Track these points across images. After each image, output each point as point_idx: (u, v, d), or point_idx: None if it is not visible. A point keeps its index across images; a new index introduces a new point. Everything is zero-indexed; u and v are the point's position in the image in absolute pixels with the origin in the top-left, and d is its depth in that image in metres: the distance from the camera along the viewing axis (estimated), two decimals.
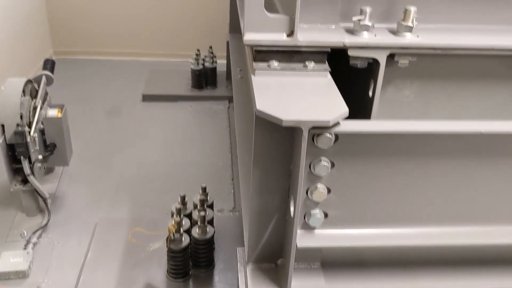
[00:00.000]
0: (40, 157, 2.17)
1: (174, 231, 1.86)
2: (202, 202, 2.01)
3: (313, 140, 1.26)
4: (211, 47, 3.49)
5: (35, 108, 2.18)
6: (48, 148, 2.23)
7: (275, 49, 1.43)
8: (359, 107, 1.61)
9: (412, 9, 1.42)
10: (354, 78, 1.63)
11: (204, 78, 3.46)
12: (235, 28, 3.21)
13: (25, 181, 2.17)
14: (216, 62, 3.48)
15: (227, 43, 3.47)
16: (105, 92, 3.49)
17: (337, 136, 1.27)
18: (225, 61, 3.55)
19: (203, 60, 3.46)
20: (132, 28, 3.98)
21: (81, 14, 3.91)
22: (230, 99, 3.34)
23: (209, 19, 3.93)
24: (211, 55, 3.48)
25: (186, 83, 3.49)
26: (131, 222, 2.22)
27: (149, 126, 3.11)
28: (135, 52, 4.04)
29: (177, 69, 3.76)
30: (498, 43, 1.46)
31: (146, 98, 3.39)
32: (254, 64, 1.44)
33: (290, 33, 1.41)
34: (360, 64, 1.49)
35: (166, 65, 3.97)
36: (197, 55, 3.44)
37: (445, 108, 1.65)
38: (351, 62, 1.49)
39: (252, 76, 1.43)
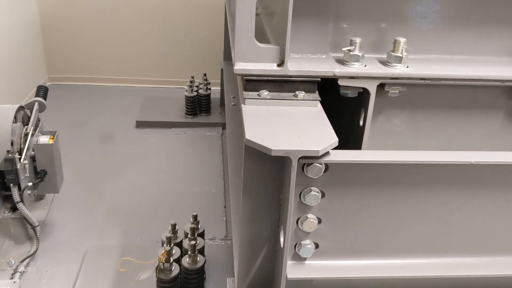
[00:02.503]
0: (30, 184, 2.15)
1: (163, 260, 1.83)
2: (193, 230, 1.99)
3: (303, 169, 1.26)
4: (205, 74, 3.51)
5: (26, 135, 2.17)
6: (39, 175, 2.21)
7: (265, 78, 1.44)
8: (350, 136, 1.62)
9: (402, 40, 1.44)
10: (345, 107, 1.63)
11: (198, 105, 3.47)
12: (229, 55, 3.23)
13: (14, 208, 2.14)
14: (210, 89, 3.49)
15: (221, 70, 3.49)
16: (99, 118, 3.49)
17: (327, 166, 1.27)
18: (219, 88, 3.57)
19: (197, 87, 3.47)
20: (127, 54, 4.01)
21: (76, 40, 3.94)
22: (224, 126, 3.34)
23: (203, 46, 3.96)
24: (205, 82, 3.49)
25: (180, 110, 3.50)
26: (121, 250, 2.19)
27: (142, 153, 3.10)
28: (130, 78, 4.05)
29: (171, 95, 3.77)
30: (486, 73, 1.48)
31: (140, 124, 3.39)
32: (245, 93, 1.45)
33: (281, 63, 1.42)
34: (350, 94, 1.50)
35: (161, 92, 3.99)
36: (191, 82, 3.45)
37: (435, 137, 1.66)
38: (342, 91, 1.50)
39: (242, 105, 1.43)
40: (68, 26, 3.88)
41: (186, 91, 3.42)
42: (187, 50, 4.00)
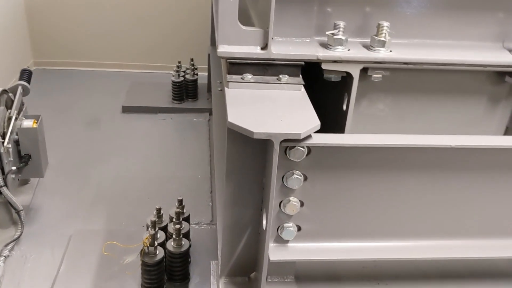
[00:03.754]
0: (14, 168, 2.13)
1: (148, 244, 1.84)
2: (178, 214, 1.99)
3: (285, 153, 1.27)
4: (192, 59, 3.49)
5: (9, 119, 2.15)
6: (23, 159, 2.20)
7: (249, 61, 1.44)
8: (334, 120, 1.62)
9: (385, 24, 1.44)
10: (328, 91, 1.64)
11: (185, 90, 3.45)
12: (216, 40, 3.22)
13: None
14: (197, 74, 3.47)
15: (208, 55, 3.47)
16: (85, 103, 3.46)
17: (309, 149, 1.28)
18: (206, 73, 3.55)
19: (184, 72, 3.45)
20: (114, 39, 3.97)
21: (62, 24, 3.89)
22: (211, 112, 3.33)
23: (190, 31, 3.93)
24: (192, 67, 3.47)
25: (167, 95, 3.47)
26: (106, 235, 2.19)
27: (128, 138, 3.08)
28: (116, 63, 4.01)
29: (158, 81, 3.75)
30: (469, 58, 1.49)
31: (126, 109, 3.37)
32: (228, 76, 1.44)
33: (264, 46, 1.42)
34: (334, 78, 1.50)
35: (147, 77, 3.96)
36: (178, 67, 3.43)
37: (418, 121, 1.67)
38: (325, 75, 1.50)
39: (226, 89, 1.43)
40: (53, 9, 3.83)
41: (173, 76, 3.40)
42: (174, 35, 3.97)
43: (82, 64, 3.99)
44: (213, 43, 3.41)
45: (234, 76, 1.44)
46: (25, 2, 3.78)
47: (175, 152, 2.96)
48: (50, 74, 3.87)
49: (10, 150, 2.11)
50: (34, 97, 2.42)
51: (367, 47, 1.49)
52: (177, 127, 3.26)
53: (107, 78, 3.89)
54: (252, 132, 1.19)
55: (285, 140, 1.22)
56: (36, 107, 2.47)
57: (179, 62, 3.44)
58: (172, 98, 3.44)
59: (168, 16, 3.90)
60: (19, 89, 2.29)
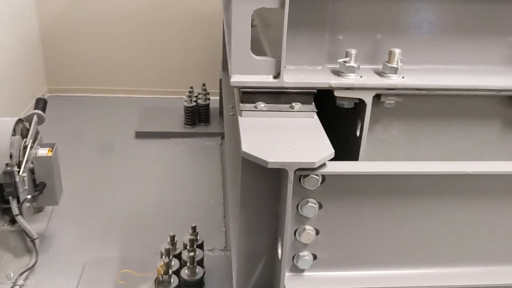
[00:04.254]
0: (29, 197, 2.15)
1: (162, 272, 1.83)
2: (192, 242, 1.99)
3: (300, 181, 1.26)
4: (204, 84, 3.52)
5: (25, 148, 2.17)
6: (38, 187, 2.22)
7: (262, 90, 1.45)
8: (347, 146, 1.62)
9: (397, 51, 1.45)
10: (342, 117, 1.64)
11: (197, 115, 3.48)
12: (227, 66, 3.25)
13: (13, 221, 2.14)
14: (209, 99, 3.51)
15: (220, 80, 3.51)
16: (98, 129, 3.50)
17: (324, 177, 1.27)
18: (218, 98, 3.58)
19: (196, 97, 3.48)
20: (126, 65, 4.03)
21: (76, 52, 3.96)
22: (223, 136, 3.34)
23: (202, 56, 3.98)
24: (204, 92, 3.51)
25: (179, 120, 3.50)
26: (120, 262, 2.19)
27: (142, 164, 3.10)
28: (129, 89, 4.06)
29: (170, 106, 3.78)
30: (480, 83, 1.49)
31: (139, 135, 3.40)
32: (241, 105, 1.45)
33: (277, 75, 1.43)
34: (346, 105, 1.51)
35: (160, 102, 3.99)
36: (190, 92, 3.47)
37: (432, 146, 1.66)
38: (338, 102, 1.51)
39: (239, 117, 1.44)
40: (67, 38, 3.90)
41: (185, 101, 3.43)
42: (186, 60, 4.02)
43: (96, 90, 4.05)
44: (225, 68, 3.45)
45: (247, 105, 1.45)
46: (40, 32, 3.86)
47: (188, 177, 2.97)
48: (64, 101, 3.93)
49: (26, 178, 2.13)
50: (48, 124, 2.45)
51: (379, 73, 1.50)
52: (190, 151, 3.28)
53: (120, 104, 3.94)
54: (266, 162, 1.19)
55: (299, 169, 1.22)
56: (51, 134, 2.51)
57: (191, 87, 3.48)
58: (185, 123, 3.47)
59: (180, 41, 3.96)
60: (35, 118, 2.32)
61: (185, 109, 3.44)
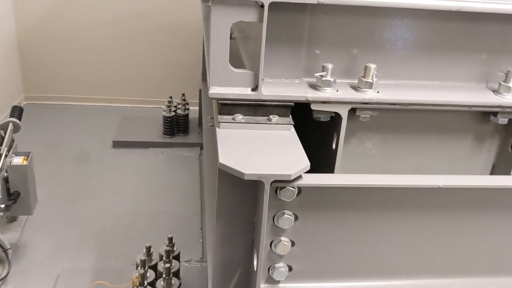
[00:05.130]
0: (2, 206, 2.12)
1: (137, 284, 1.82)
2: (168, 253, 1.98)
3: (276, 193, 1.28)
4: (183, 94, 3.52)
5: None
6: (12, 196, 2.18)
7: (240, 102, 1.46)
8: (323, 158, 1.64)
9: (372, 66, 1.48)
10: (318, 130, 1.66)
11: (176, 125, 3.47)
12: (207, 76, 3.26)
13: None
14: (188, 109, 3.50)
15: (199, 91, 3.51)
16: (75, 138, 3.46)
17: (300, 189, 1.29)
18: (197, 108, 3.58)
19: (175, 107, 3.48)
20: (105, 74, 4.00)
21: (53, 59, 3.92)
22: (201, 146, 3.34)
23: (182, 66, 3.98)
24: (184, 102, 3.50)
25: (158, 130, 3.49)
26: (95, 273, 2.16)
27: (118, 173, 3.08)
28: (107, 98, 4.03)
29: (149, 115, 3.76)
30: (453, 99, 1.53)
31: (117, 144, 3.37)
32: (219, 117, 1.46)
33: (255, 87, 1.45)
34: (323, 118, 1.53)
35: (139, 111, 3.98)
36: (169, 102, 3.46)
37: (407, 160, 1.70)
38: (314, 115, 1.53)
39: (217, 129, 1.45)
40: (45, 45, 3.87)
41: (164, 111, 3.43)
42: (165, 70, 4.01)
43: (73, 98, 4.01)
44: (204, 79, 3.46)
45: (225, 117, 1.46)
46: (17, 38, 3.82)
47: (165, 188, 2.95)
48: (41, 109, 3.88)
49: None
50: (24, 132, 2.42)
51: (355, 88, 1.53)
52: (168, 162, 3.27)
53: (98, 112, 3.90)
54: (243, 174, 1.20)
55: (276, 181, 1.23)
56: (26, 142, 2.47)
57: (171, 97, 3.47)
58: (163, 133, 3.46)
59: (160, 51, 3.96)
60: (10, 126, 2.29)
61: (164, 119, 3.43)
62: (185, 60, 3.94)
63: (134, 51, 3.95)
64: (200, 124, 3.54)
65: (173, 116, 3.43)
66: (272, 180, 1.22)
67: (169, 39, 3.92)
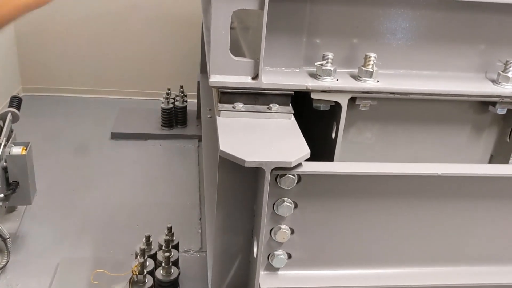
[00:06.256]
0: (1, 195, 2.12)
1: (137, 272, 1.83)
2: (167, 242, 1.99)
3: (276, 180, 1.28)
4: (182, 87, 3.52)
5: None
6: (11, 186, 2.18)
7: (240, 91, 1.46)
8: (323, 148, 1.65)
9: (372, 55, 1.48)
10: (318, 120, 1.67)
11: (174, 117, 3.47)
12: (206, 68, 3.25)
13: None
14: (186, 101, 3.50)
15: (198, 83, 3.51)
16: (74, 129, 3.46)
17: (300, 177, 1.30)
18: (196, 100, 3.58)
19: (174, 99, 3.48)
20: (103, 65, 3.99)
21: (51, 51, 3.91)
22: (200, 138, 3.35)
23: (180, 58, 3.97)
24: (182, 94, 3.50)
25: (156, 122, 3.49)
26: (94, 263, 2.17)
27: (117, 165, 3.08)
28: (106, 90, 4.03)
29: (147, 107, 3.76)
30: (453, 88, 1.53)
31: (115, 136, 3.37)
32: (220, 105, 1.47)
33: (255, 76, 1.45)
34: (323, 107, 1.53)
35: (137, 103, 3.98)
36: (167, 93, 3.46)
37: (405, 149, 1.70)
38: (314, 104, 1.53)
39: (217, 117, 1.45)
40: (42, 37, 3.85)
41: (162, 103, 3.43)
42: (164, 62, 4.01)
43: (71, 90, 4.00)
44: (203, 71, 3.46)
45: (225, 105, 1.47)
46: (15, 29, 3.81)
47: (164, 179, 2.96)
48: (39, 101, 3.87)
49: None
50: (22, 123, 2.42)
51: (355, 77, 1.53)
52: (167, 153, 3.27)
53: (96, 104, 3.90)
54: (243, 161, 1.21)
55: (276, 168, 1.24)
56: (25, 134, 2.47)
57: (169, 89, 3.47)
58: (162, 125, 3.46)
59: (158, 43, 3.95)
60: (9, 116, 2.29)
61: (162, 111, 3.43)
62: (184, 52, 3.93)
63: (132, 43, 3.94)
64: (198, 116, 3.55)
65: (171, 108, 3.43)
66: (272, 167, 1.22)
67: (167, 31, 3.91)
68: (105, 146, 3.28)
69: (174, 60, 3.99)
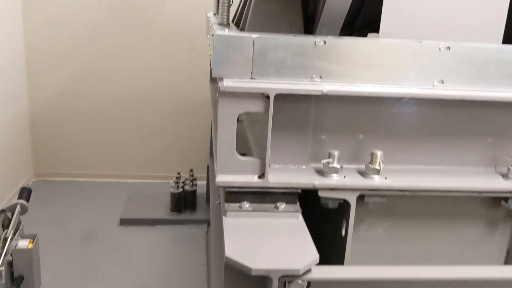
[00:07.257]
0: None
1: None
2: None
3: (285, 287, 1.24)
4: (191, 170, 3.53)
5: (5, 239, 2.12)
6: (15, 281, 2.13)
7: (246, 190, 1.45)
8: (333, 245, 1.61)
9: (379, 153, 1.47)
10: (327, 216, 1.64)
11: (184, 201, 3.46)
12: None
13: None
14: (196, 185, 3.50)
15: (207, 166, 3.52)
16: (82, 215, 3.45)
17: (309, 283, 1.25)
18: (205, 182, 3.58)
19: (183, 183, 3.48)
20: (114, 150, 4.05)
21: (63, 136, 3.99)
22: (209, 223, 3.30)
23: (190, 141, 4.03)
24: (192, 178, 3.51)
25: (165, 206, 3.48)
26: None
27: (124, 253, 3.03)
28: (116, 174, 4.06)
29: (157, 191, 3.76)
30: (462, 185, 1.51)
31: (124, 222, 3.35)
32: (226, 205, 1.45)
33: (261, 175, 1.45)
34: (331, 205, 1.51)
35: (146, 187, 3.98)
36: (177, 178, 3.47)
37: (417, 244, 1.65)
38: (322, 202, 1.51)
39: (224, 217, 1.43)
40: (55, 123, 3.96)
41: (172, 187, 3.43)
42: (173, 145, 4.06)
43: (82, 174, 4.04)
44: (212, 155, 3.48)
45: (232, 205, 1.45)
46: (30, 116, 3.91)
47: (171, 268, 2.90)
48: (50, 185, 3.90)
49: (3, 272, 2.06)
50: (32, 209, 2.41)
51: (362, 173, 1.52)
52: (175, 240, 3.23)
53: (106, 188, 3.92)
54: (250, 269, 1.17)
55: (284, 275, 1.20)
56: (33, 219, 2.45)
57: (179, 173, 3.48)
58: (171, 209, 3.44)
59: (168, 127, 4.03)
60: (18, 208, 2.28)
61: (171, 196, 3.42)
62: (194, 135, 3.99)
63: (142, 128, 4.02)
64: (207, 199, 3.53)
65: (180, 192, 3.42)
66: (280, 275, 1.18)
67: (177, 115, 3.99)
68: (113, 233, 3.25)
69: (184, 144, 4.04)
